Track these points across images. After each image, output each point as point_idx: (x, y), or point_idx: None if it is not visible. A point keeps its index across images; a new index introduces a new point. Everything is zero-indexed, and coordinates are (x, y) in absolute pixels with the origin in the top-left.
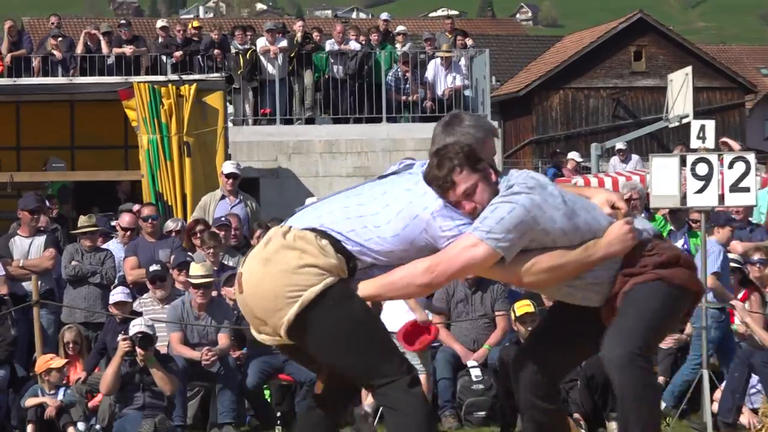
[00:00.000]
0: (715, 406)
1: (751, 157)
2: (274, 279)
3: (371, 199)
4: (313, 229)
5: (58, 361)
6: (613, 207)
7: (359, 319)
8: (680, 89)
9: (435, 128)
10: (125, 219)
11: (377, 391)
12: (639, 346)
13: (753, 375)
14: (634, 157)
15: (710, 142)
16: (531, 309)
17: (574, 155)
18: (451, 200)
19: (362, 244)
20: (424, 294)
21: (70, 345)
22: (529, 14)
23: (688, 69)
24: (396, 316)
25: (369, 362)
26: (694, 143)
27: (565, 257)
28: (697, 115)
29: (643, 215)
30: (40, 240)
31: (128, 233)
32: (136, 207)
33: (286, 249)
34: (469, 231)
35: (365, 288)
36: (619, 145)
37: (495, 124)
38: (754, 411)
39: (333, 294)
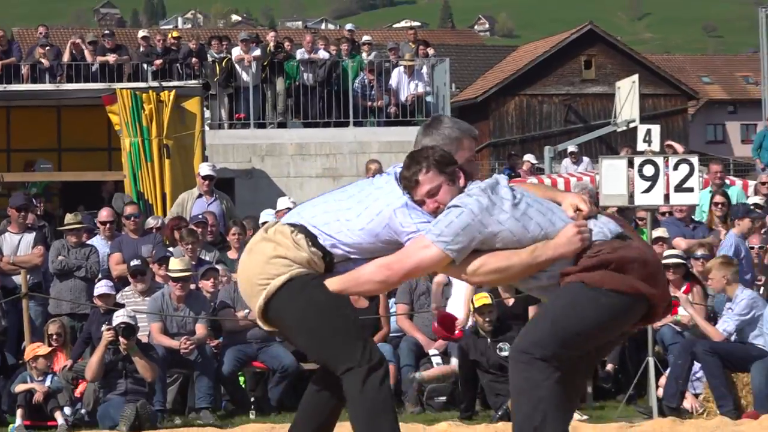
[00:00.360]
0: (660, 392)
1: (694, 159)
2: (252, 267)
3: (349, 196)
4: (293, 225)
5: (44, 349)
6: (576, 209)
7: (323, 308)
8: (627, 96)
9: (418, 132)
10: (103, 214)
11: (341, 378)
12: (541, 345)
13: (695, 363)
14: (585, 159)
15: (656, 146)
16: (489, 301)
17: (529, 157)
18: (416, 198)
19: (334, 237)
20: (382, 290)
21: (54, 337)
22: (486, 25)
23: (635, 77)
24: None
25: (331, 349)
26: (641, 146)
27: (513, 259)
28: (643, 120)
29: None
30: (30, 237)
31: (107, 226)
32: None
33: (265, 241)
34: (424, 233)
35: (331, 283)
36: (571, 148)
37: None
38: (697, 396)
39: (298, 284)
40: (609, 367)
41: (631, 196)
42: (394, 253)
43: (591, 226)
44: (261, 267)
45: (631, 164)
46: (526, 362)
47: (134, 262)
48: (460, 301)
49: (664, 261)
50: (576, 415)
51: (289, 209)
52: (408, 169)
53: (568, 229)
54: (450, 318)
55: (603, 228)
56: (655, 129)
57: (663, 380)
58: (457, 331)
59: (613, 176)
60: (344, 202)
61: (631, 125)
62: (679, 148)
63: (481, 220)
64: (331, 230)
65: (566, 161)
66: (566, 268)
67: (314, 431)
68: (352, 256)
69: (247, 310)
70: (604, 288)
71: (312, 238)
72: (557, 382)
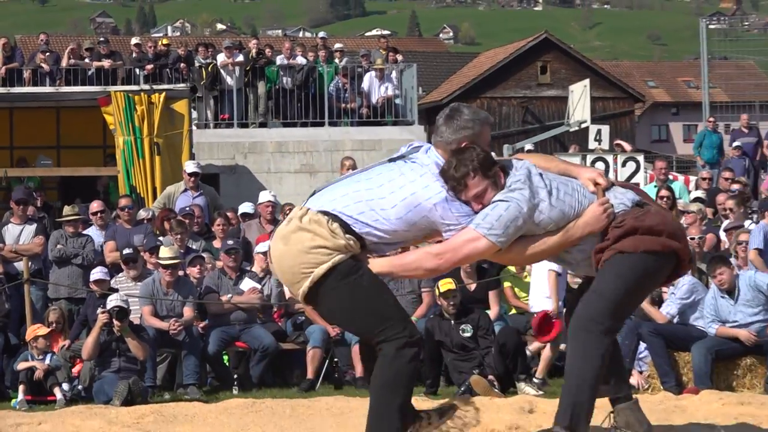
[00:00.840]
0: None
1: (641, 157)
2: (292, 257)
3: (379, 185)
4: (326, 213)
5: (44, 330)
6: (595, 184)
7: (367, 293)
8: (579, 99)
9: (437, 119)
10: (94, 205)
11: (378, 347)
12: (597, 319)
13: (641, 343)
14: None
15: (605, 144)
16: (452, 286)
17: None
18: (462, 199)
19: (369, 225)
20: (430, 276)
21: (53, 324)
22: (451, 34)
23: (586, 81)
24: (539, 299)
25: (372, 325)
26: (592, 145)
27: (548, 242)
28: (594, 120)
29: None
30: (31, 228)
31: (98, 215)
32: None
33: (302, 231)
34: (472, 226)
35: (379, 265)
36: (528, 146)
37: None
38: (642, 373)
39: (341, 270)
40: (562, 346)
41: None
42: (443, 243)
43: (611, 199)
44: (302, 257)
45: (584, 161)
46: (586, 330)
47: (126, 251)
48: (544, 292)
49: None
50: (532, 391)
51: (270, 201)
52: (456, 171)
53: (595, 208)
54: (544, 319)
55: (623, 198)
56: (605, 129)
57: None
58: (554, 321)
59: None
60: (375, 191)
61: (583, 125)
62: (626, 146)
63: (526, 212)
64: (367, 219)
65: None
66: (600, 244)
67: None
68: (387, 242)
69: (230, 295)
70: (639, 251)
71: (345, 226)
72: (609, 348)
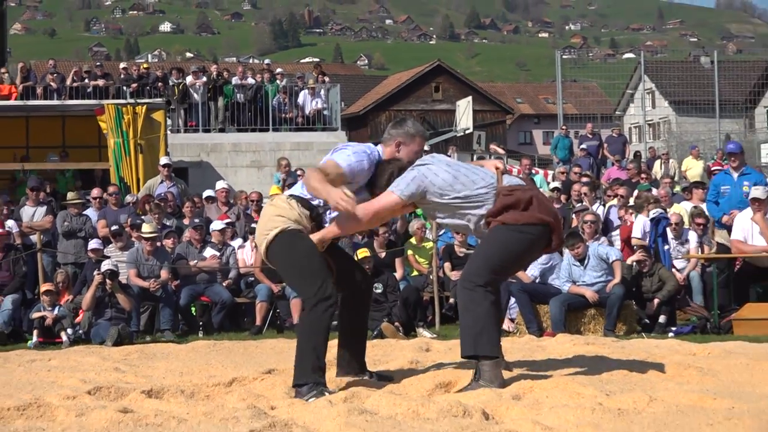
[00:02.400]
0: None
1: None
2: (261, 225)
3: None
4: (290, 195)
5: (52, 287)
6: (496, 168)
7: (299, 254)
8: (464, 111)
9: (390, 125)
10: (93, 192)
11: (302, 301)
12: (475, 276)
13: (511, 297)
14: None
15: (483, 146)
16: (368, 253)
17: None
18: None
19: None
20: (364, 228)
21: (61, 283)
22: (366, 61)
23: (469, 98)
24: None
25: (300, 283)
26: (474, 146)
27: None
28: (475, 128)
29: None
30: (42, 209)
31: (97, 200)
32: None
33: (270, 206)
34: (389, 189)
35: (328, 230)
36: (425, 147)
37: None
38: (512, 320)
39: (286, 234)
40: (452, 300)
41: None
42: (367, 202)
43: (505, 181)
44: (265, 223)
45: (471, 159)
46: (469, 288)
47: (114, 228)
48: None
49: None
50: (428, 334)
51: (224, 188)
52: (379, 178)
53: (491, 162)
54: None
55: (512, 180)
56: (483, 135)
57: None
58: None
59: None
60: None
61: (467, 132)
62: (499, 150)
63: (424, 174)
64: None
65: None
66: (488, 213)
67: (353, 337)
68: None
69: (196, 261)
70: (519, 224)
71: (302, 202)
72: (492, 303)
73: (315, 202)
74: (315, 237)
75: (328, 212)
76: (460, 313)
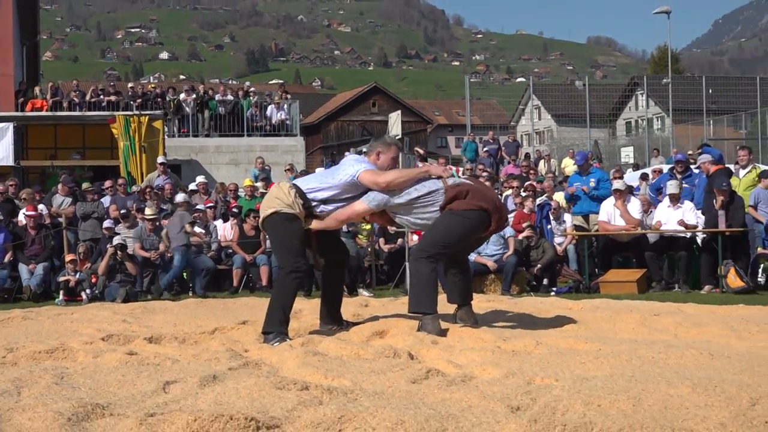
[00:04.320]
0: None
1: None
2: (265, 200)
3: (330, 173)
4: (292, 185)
5: (72, 256)
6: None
7: (285, 231)
8: (395, 121)
9: (372, 139)
10: (106, 183)
11: (279, 270)
12: (423, 249)
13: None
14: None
15: (407, 149)
16: None
17: (347, 155)
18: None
19: (315, 189)
20: (339, 226)
21: (82, 254)
22: (319, 82)
23: (399, 111)
24: None
25: (281, 256)
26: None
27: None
28: (404, 134)
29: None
30: (69, 200)
31: (109, 189)
32: (115, 181)
33: (275, 188)
34: (363, 198)
35: (318, 222)
36: (364, 149)
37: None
38: None
39: (280, 215)
40: (385, 267)
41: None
42: (348, 206)
43: (449, 180)
44: (267, 201)
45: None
46: (416, 259)
47: (122, 211)
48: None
49: None
50: (367, 294)
51: (202, 182)
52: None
53: (437, 168)
54: None
55: (456, 180)
56: (408, 140)
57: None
58: None
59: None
60: (326, 176)
61: (397, 137)
62: (420, 151)
63: (387, 196)
64: (313, 186)
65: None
66: (441, 204)
67: (331, 296)
68: (325, 199)
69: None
70: (461, 210)
71: (300, 193)
72: (432, 270)
73: (310, 196)
74: (313, 224)
75: (319, 208)
76: (410, 279)
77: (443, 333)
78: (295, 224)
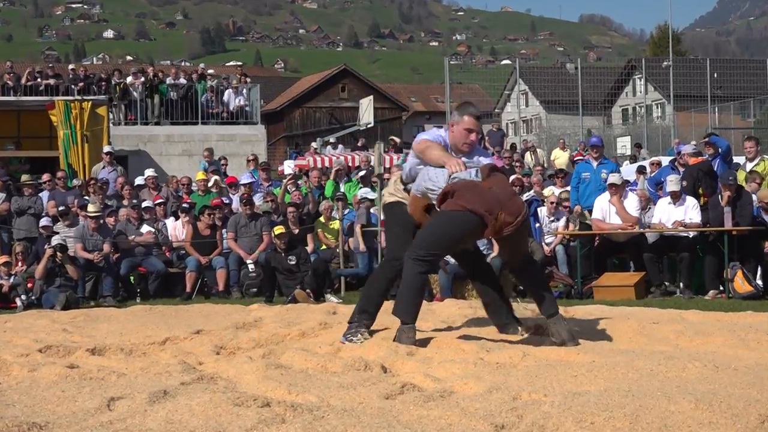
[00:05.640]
0: None
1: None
2: (386, 189)
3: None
4: (398, 178)
5: (5, 258)
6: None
7: (394, 222)
8: (366, 108)
9: (455, 107)
10: (44, 177)
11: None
12: (414, 250)
13: None
14: (340, 146)
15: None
16: (283, 230)
17: (313, 145)
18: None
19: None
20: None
21: (19, 255)
22: (282, 65)
23: (371, 97)
24: None
25: (388, 243)
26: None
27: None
28: (376, 122)
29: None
30: (2, 194)
31: (47, 183)
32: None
33: (393, 177)
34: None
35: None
36: (332, 139)
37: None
38: None
39: (391, 204)
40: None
41: (381, 165)
42: None
43: (459, 175)
44: (387, 189)
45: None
46: (406, 259)
47: (61, 208)
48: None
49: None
50: (335, 300)
51: (151, 176)
52: None
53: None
54: None
55: (462, 175)
56: (381, 127)
57: None
58: None
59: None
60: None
61: (369, 126)
62: (396, 140)
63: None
64: (418, 179)
65: (329, 147)
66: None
67: (383, 293)
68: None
69: (134, 236)
70: (447, 210)
71: (402, 183)
72: (417, 274)
73: (408, 186)
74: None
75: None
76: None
77: (414, 343)
78: (402, 212)
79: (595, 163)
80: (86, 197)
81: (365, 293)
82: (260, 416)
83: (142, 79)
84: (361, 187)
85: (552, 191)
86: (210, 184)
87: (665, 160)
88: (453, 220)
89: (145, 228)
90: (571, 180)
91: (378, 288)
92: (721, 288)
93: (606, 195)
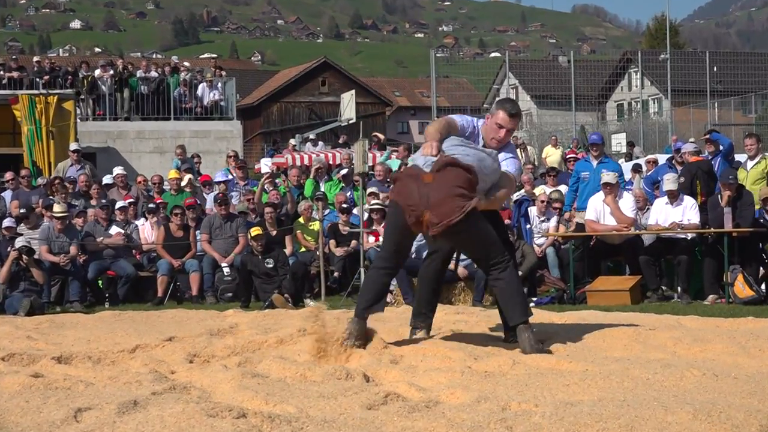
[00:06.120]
0: None
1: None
2: None
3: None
4: None
5: None
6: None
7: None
8: (348, 103)
9: (496, 101)
10: (6, 175)
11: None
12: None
13: None
14: (320, 143)
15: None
16: (260, 232)
17: (292, 141)
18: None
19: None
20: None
21: None
22: (259, 57)
23: (353, 91)
24: None
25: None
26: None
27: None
28: (358, 118)
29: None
30: None
31: (10, 182)
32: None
33: None
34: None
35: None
36: (312, 136)
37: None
38: (390, 292)
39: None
40: (336, 274)
41: (364, 163)
42: None
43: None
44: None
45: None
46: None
47: (22, 210)
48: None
49: (370, 207)
50: (311, 303)
51: (119, 174)
52: None
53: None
54: None
55: (416, 162)
56: (364, 122)
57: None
58: None
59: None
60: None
61: (350, 122)
62: (380, 135)
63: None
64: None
65: (309, 144)
66: None
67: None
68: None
69: (102, 238)
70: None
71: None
72: (375, 269)
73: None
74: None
75: None
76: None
77: (360, 338)
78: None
79: (594, 162)
80: (51, 197)
81: (416, 295)
82: (236, 428)
83: (111, 72)
84: (342, 187)
85: (543, 190)
86: (183, 183)
87: (662, 158)
88: (389, 213)
89: (114, 229)
90: (570, 180)
91: (424, 287)
92: (721, 292)
93: (600, 195)
